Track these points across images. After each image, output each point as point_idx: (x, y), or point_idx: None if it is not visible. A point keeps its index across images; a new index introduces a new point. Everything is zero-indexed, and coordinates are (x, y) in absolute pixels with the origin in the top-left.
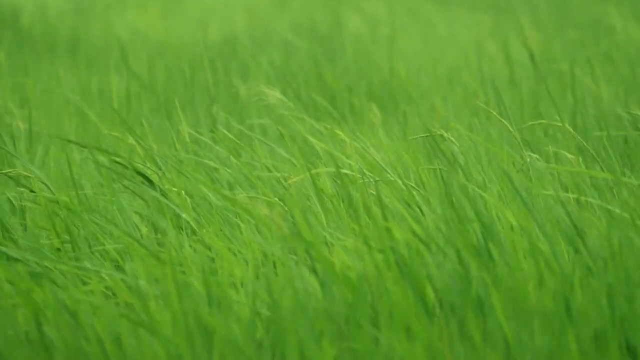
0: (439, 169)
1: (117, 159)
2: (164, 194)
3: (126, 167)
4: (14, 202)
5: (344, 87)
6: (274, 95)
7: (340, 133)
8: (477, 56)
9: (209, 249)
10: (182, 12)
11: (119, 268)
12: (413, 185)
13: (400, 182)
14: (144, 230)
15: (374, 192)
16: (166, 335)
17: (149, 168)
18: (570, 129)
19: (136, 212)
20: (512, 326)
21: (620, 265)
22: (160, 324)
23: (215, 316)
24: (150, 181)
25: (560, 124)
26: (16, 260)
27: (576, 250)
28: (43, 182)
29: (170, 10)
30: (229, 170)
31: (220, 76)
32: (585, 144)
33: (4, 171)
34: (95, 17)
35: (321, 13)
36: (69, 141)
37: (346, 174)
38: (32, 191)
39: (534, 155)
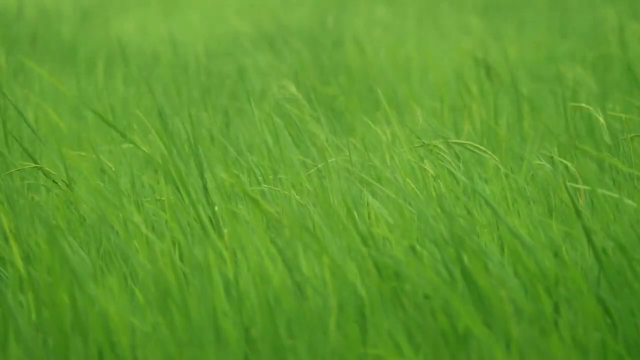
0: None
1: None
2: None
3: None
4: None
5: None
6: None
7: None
8: (475, 61)
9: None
10: (183, 14)
11: None
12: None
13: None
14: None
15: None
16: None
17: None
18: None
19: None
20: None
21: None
22: None
23: None
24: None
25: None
26: None
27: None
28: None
29: (171, 12)
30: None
31: (220, 77)
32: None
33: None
34: (96, 19)
35: (324, 15)
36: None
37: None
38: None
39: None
